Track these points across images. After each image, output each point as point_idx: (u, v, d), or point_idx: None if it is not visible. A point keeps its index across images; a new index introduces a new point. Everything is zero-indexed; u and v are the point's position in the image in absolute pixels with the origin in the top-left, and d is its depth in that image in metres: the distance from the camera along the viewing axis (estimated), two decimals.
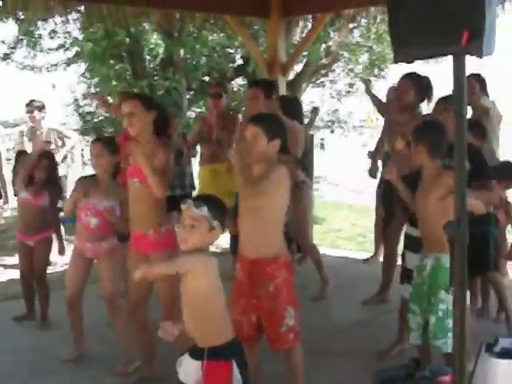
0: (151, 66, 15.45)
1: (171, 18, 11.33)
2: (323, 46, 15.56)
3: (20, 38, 17.07)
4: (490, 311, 6.61)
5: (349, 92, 19.55)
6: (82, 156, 15.38)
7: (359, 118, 21.57)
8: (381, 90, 8.79)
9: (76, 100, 18.19)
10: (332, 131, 19.71)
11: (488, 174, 5.39)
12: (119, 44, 13.96)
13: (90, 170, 7.49)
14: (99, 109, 15.72)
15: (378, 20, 13.62)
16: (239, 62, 16.75)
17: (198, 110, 16.72)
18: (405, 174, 5.17)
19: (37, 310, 6.87)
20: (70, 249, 9.52)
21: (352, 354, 5.79)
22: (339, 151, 20.31)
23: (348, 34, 16.53)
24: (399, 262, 6.29)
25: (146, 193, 4.92)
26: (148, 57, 15.16)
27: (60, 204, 6.95)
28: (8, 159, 12.56)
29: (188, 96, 15.86)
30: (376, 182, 8.57)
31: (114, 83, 13.88)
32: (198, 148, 8.16)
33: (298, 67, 15.76)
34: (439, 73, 6.52)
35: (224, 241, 8.76)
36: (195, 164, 8.50)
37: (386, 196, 7.12)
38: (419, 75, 6.34)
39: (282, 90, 9.23)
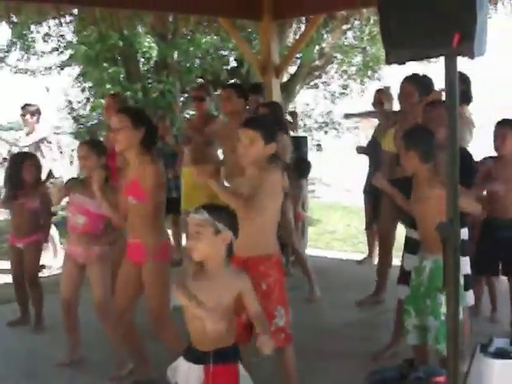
0: (145, 68, 15.43)
1: (164, 20, 11.35)
2: (317, 47, 15.59)
3: (13, 41, 17.04)
4: (484, 311, 6.62)
5: (343, 93, 19.55)
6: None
7: (353, 119, 21.57)
8: (374, 90, 8.77)
9: (70, 103, 18.15)
10: (326, 132, 19.71)
11: (472, 176, 5.43)
12: (113, 47, 13.94)
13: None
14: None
15: (372, 21, 13.65)
16: (233, 64, 16.75)
17: (192, 112, 16.70)
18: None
19: (31, 313, 6.86)
20: (62, 252, 9.59)
21: (346, 355, 5.79)
22: (334, 152, 20.33)
23: (341, 36, 16.55)
24: (395, 262, 6.31)
25: (141, 208, 4.91)
26: (142, 59, 15.13)
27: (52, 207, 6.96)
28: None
29: (182, 98, 15.85)
30: None
31: (108, 86, 13.85)
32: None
33: (292, 69, 15.78)
34: (431, 73, 6.48)
35: None
36: None
37: (372, 197, 7.14)
38: (420, 76, 6.33)
39: (276, 92, 9.25)
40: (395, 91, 7.44)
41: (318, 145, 19.02)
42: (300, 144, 9.15)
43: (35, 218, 6.75)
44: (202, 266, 3.56)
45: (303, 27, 12.28)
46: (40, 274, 7.02)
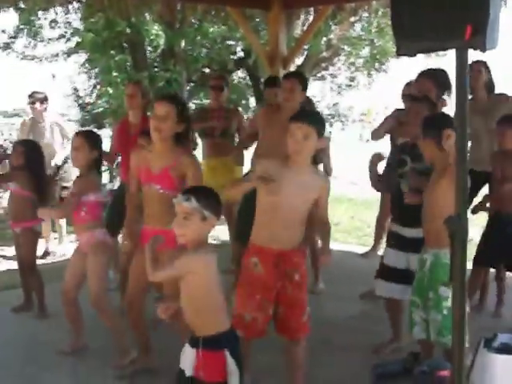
0: (152, 56, 15.39)
1: (172, 8, 11.33)
2: (324, 39, 15.54)
3: (20, 27, 17.02)
4: (488, 306, 6.61)
5: (349, 86, 19.53)
6: None
7: (359, 111, 21.57)
8: (382, 83, 8.75)
9: (76, 90, 18.14)
10: (331, 125, 19.69)
11: None
12: (120, 34, 13.89)
13: None
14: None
15: (380, 13, 13.64)
16: (240, 54, 16.72)
17: (198, 101, 16.70)
18: None
19: (35, 300, 6.86)
20: (68, 239, 9.63)
21: (350, 347, 5.79)
22: (339, 145, 20.29)
23: (349, 28, 16.51)
24: None
25: (170, 197, 4.87)
26: (149, 48, 15.10)
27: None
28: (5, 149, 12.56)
29: (188, 87, 15.82)
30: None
31: (115, 74, 13.82)
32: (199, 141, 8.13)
33: (299, 60, 15.74)
34: (441, 66, 6.45)
35: (223, 233, 8.78)
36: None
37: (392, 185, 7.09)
38: (436, 70, 6.26)
39: None
40: (402, 85, 7.44)
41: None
42: None
43: (30, 204, 6.68)
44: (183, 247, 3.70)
45: (311, 18, 12.26)
46: (43, 261, 7.00)
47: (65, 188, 8.86)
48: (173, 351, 3.93)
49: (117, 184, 10.44)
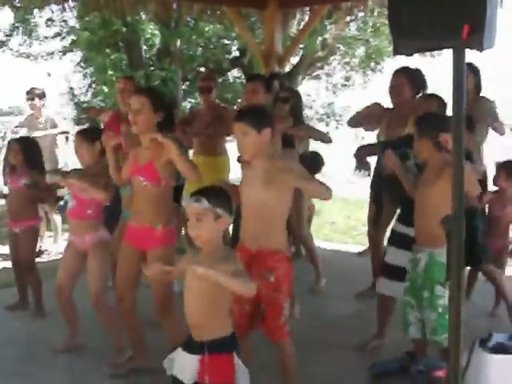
0: (147, 55, 15.40)
1: (168, 7, 11.31)
2: (320, 38, 15.55)
3: (16, 25, 16.99)
4: (486, 305, 6.61)
5: (345, 85, 19.53)
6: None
7: (354, 111, 21.56)
8: (377, 83, 8.76)
9: (71, 89, 18.13)
10: (327, 124, 19.70)
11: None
12: (116, 33, 13.91)
13: None
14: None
15: (375, 13, 13.64)
16: (235, 53, 16.72)
17: (194, 101, 16.71)
18: None
19: (31, 298, 6.85)
20: (63, 238, 9.61)
21: (346, 346, 5.78)
22: (333, 144, 20.27)
23: (345, 27, 16.52)
24: None
25: (154, 191, 4.90)
26: (144, 47, 15.10)
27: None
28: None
29: (184, 87, 15.83)
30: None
31: (110, 72, 13.83)
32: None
33: (294, 59, 15.75)
34: (436, 66, 6.49)
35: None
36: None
37: (378, 187, 7.11)
38: (411, 69, 6.33)
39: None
40: None
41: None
42: None
43: (31, 203, 6.71)
44: (198, 249, 3.62)
45: (307, 18, 12.26)
46: (38, 260, 6.98)
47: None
48: (170, 351, 3.90)
49: None
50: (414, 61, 6.06)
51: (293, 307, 6.34)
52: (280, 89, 7.60)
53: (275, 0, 8.97)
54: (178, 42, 14.83)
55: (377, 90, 8.27)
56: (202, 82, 7.94)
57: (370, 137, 8.58)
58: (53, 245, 9.51)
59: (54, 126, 9.55)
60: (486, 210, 6.61)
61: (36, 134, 9.17)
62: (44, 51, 18.42)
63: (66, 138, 9.88)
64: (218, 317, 3.55)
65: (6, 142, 10.44)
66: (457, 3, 2.80)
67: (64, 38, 17.20)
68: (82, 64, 17.23)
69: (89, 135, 5.62)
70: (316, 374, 5.18)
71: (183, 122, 7.68)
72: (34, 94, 9.33)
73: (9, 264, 7.31)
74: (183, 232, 7.39)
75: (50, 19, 16.67)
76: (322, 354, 5.59)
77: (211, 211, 3.49)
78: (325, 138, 7.51)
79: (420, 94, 6.34)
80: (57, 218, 9.39)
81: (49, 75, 19.64)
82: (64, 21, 16.72)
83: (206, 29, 14.99)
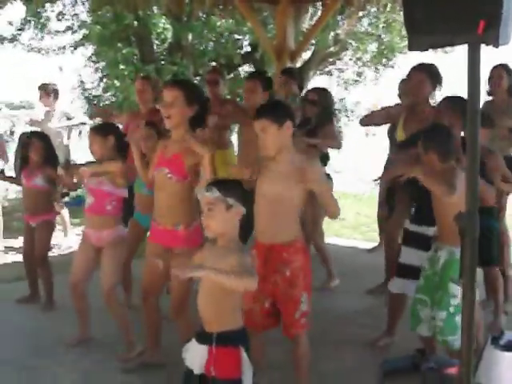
0: (159, 50, 15.38)
1: (180, 2, 11.29)
2: (332, 33, 15.51)
3: (27, 19, 16.99)
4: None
5: (356, 81, 19.48)
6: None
7: (366, 107, 21.52)
8: (389, 78, 8.72)
9: (83, 83, 18.12)
10: (338, 120, 19.61)
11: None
12: (127, 27, 13.90)
13: None
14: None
15: (388, 9, 13.59)
16: (247, 48, 16.69)
17: (205, 95, 16.68)
18: None
19: (41, 292, 6.87)
20: (73, 232, 9.64)
21: (357, 343, 5.78)
22: (344, 140, 20.25)
23: (357, 23, 16.47)
24: None
25: (178, 186, 4.81)
26: (156, 41, 15.09)
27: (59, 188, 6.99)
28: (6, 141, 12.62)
29: (195, 81, 15.81)
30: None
31: (122, 67, 13.82)
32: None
33: (306, 55, 15.72)
34: (448, 63, 6.46)
35: None
36: None
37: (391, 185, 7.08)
38: (429, 65, 6.26)
39: None
40: None
41: (339, 132, 18.84)
42: None
43: (46, 198, 6.74)
44: (214, 242, 3.61)
45: (319, 12, 12.24)
46: (49, 254, 7.00)
47: None
48: (179, 348, 3.90)
49: None
50: (427, 57, 6.02)
51: None
52: (309, 90, 7.60)
53: None
54: (190, 37, 14.82)
55: (388, 85, 8.20)
56: (209, 74, 8.00)
57: (382, 134, 8.56)
58: (63, 239, 9.53)
59: (70, 119, 9.61)
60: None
61: (54, 125, 9.22)
62: (55, 45, 18.43)
63: (80, 133, 9.92)
64: (228, 312, 3.55)
65: (15, 136, 10.50)
66: None
67: (75, 32, 17.18)
68: (93, 58, 17.21)
69: (102, 130, 5.63)
70: (327, 370, 5.18)
71: None
72: (46, 90, 9.36)
73: (19, 258, 7.34)
74: None
75: (61, 13, 16.65)
76: (332, 351, 5.59)
77: (222, 201, 3.49)
78: (334, 145, 7.47)
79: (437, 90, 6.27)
80: (65, 212, 9.41)
81: (60, 69, 19.64)
82: (75, 15, 16.71)
83: (218, 23, 14.98)
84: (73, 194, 12.98)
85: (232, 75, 15.91)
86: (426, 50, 3.04)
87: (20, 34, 17.72)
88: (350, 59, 18.65)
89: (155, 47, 15.16)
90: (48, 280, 6.81)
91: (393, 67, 18.21)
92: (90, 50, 17.24)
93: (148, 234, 5.44)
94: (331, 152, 7.69)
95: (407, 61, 15.69)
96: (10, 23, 17.30)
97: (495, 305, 6.27)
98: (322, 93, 7.56)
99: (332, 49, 16.37)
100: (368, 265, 8.18)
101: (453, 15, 2.84)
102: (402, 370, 4.69)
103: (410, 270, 5.31)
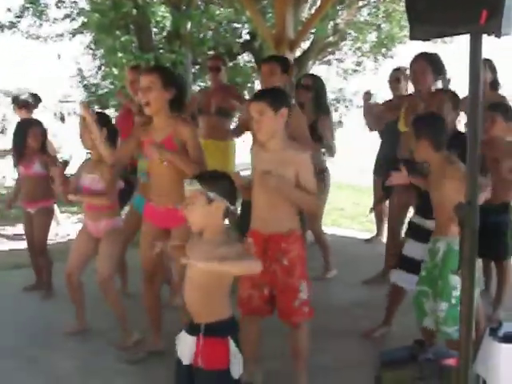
0: (157, 38, 15.34)
1: None
2: (331, 23, 15.47)
3: (26, 6, 16.93)
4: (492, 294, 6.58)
5: (355, 71, 19.45)
6: None
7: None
8: (388, 68, 8.67)
9: (81, 71, 18.08)
10: (336, 110, 19.59)
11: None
12: (126, 15, 13.84)
13: None
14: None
15: None
16: (246, 37, 16.65)
17: (203, 84, 16.65)
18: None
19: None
20: (69, 221, 9.63)
21: (354, 334, 5.78)
22: (342, 130, 20.21)
23: (356, 12, 16.43)
24: None
25: (171, 169, 4.83)
26: (154, 29, 15.05)
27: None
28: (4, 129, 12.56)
29: (193, 70, 15.77)
30: None
31: (120, 55, 13.78)
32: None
33: (305, 44, 15.68)
34: (447, 54, 6.43)
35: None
36: None
37: (383, 171, 7.08)
38: (431, 53, 6.23)
39: None
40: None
41: (339, 121, 18.79)
42: None
43: (44, 185, 6.72)
44: (200, 236, 3.55)
45: (319, 2, 12.19)
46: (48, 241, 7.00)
47: None
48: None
49: None
50: (426, 47, 5.99)
51: None
52: (303, 75, 7.58)
53: None
54: (189, 25, 14.77)
55: (387, 75, 8.13)
56: (211, 61, 7.99)
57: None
58: (56, 227, 9.51)
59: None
60: None
61: None
62: (54, 33, 18.37)
63: (62, 119, 9.80)
64: (216, 302, 3.50)
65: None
66: None
67: (74, 19, 17.13)
68: (91, 46, 17.17)
69: (98, 120, 5.56)
70: (324, 361, 5.18)
71: (191, 102, 7.62)
72: (17, 103, 8.71)
73: (17, 245, 7.33)
74: None
75: (60, 0, 16.61)
76: (329, 341, 5.57)
77: (203, 194, 3.42)
78: (330, 152, 7.46)
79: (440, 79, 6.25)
80: None
81: (59, 57, 19.55)
82: (74, 2, 16.65)
83: (217, 12, 14.94)
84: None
85: (231, 64, 15.87)
86: (428, 39, 3.03)
87: (19, 21, 17.65)
88: (350, 49, 18.62)
89: (154, 35, 15.11)
90: (47, 268, 6.81)
91: (392, 57, 18.17)
92: (88, 37, 17.20)
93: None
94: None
95: (407, 51, 15.68)
96: (9, 10, 17.23)
97: (498, 297, 6.28)
98: (316, 79, 7.56)
99: (331, 38, 16.33)
100: (365, 255, 8.18)
101: (455, 5, 2.82)
102: (400, 361, 4.68)
103: (412, 264, 5.30)
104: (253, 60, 17.01)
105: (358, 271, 7.52)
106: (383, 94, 8.83)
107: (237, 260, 3.32)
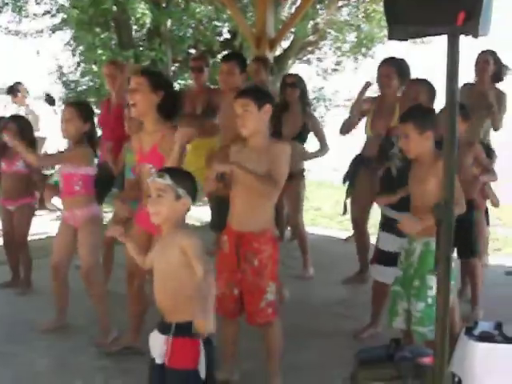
0: (137, 35, 15.30)
1: None
2: (311, 22, 15.50)
3: (5, 1, 16.82)
4: (467, 294, 6.61)
5: (335, 70, 19.48)
6: None
7: (344, 96, 21.51)
8: (368, 68, 8.72)
9: (60, 68, 17.97)
10: (314, 110, 19.59)
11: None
12: (106, 12, 13.78)
13: None
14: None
15: None
16: (226, 35, 16.63)
17: (183, 82, 16.61)
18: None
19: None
20: (48, 217, 9.58)
21: (331, 333, 5.79)
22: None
23: (336, 12, 16.46)
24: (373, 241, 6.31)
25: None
26: (135, 26, 15.00)
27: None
28: None
29: (173, 68, 15.74)
30: None
31: (100, 52, 13.72)
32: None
33: (285, 43, 15.70)
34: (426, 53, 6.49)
35: (206, 214, 8.74)
36: None
37: (351, 175, 7.12)
38: (398, 59, 6.35)
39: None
40: None
41: (321, 119, 18.71)
42: None
43: (25, 182, 6.69)
44: (159, 231, 3.61)
45: (299, 1, 12.20)
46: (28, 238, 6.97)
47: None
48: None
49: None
50: (405, 47, 6.04)
51: (281, 292, 6.35)
52: (286, 75, 7.61)
53: None
54: (169, 23, 14.73)
55: (367, 75, 8.17)
56: (194, 61, 7.94)
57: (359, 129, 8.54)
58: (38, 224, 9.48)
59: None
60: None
61: None
62: (33, 29, 18.24)
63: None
64: (185, 301, 3.44)
65: None
66: None
67: (54, 15, 17.05)
68: (71, 42, 17.07)
69: (83, 113, 5.54)
70: (301, 360, 5.18)
71: None
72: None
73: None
74: None
75: None
76: (306, 341, 5.58)
77: (172, 189, 3.47)
78: (323, 152, 7.50)
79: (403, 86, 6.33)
80: None
81: (38, 53, 19.42)
82: None
83: (197, 10, 14.89)
84: (50, 180, 12.94)
85: (211, 62, 15.84)
86: (406, 39, 3.04)
87: None
88: (330, 48, 18.65)
89: (134, 33, 15.07)
90: (27, 264, 6.79)
91: (372, 57, 18.20)
92: (68, 34, 17.11)
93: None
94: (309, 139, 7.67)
95: (386, 51, 15.73)
96: None
97: (473, 296, 6.31)
98: (298, 78, 7.59)
99: (311, 38, 16.36)
100: (343, 254, 8.18)
101: (432, 5, 2.83)
102: (377, 359, 4.69)
103: (389, 257, 5.31)
104: None
105: (336, 270, 7.53)
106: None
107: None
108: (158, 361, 3.50)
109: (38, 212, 8.76)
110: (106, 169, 6.54)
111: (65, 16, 15.60)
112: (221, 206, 4.96)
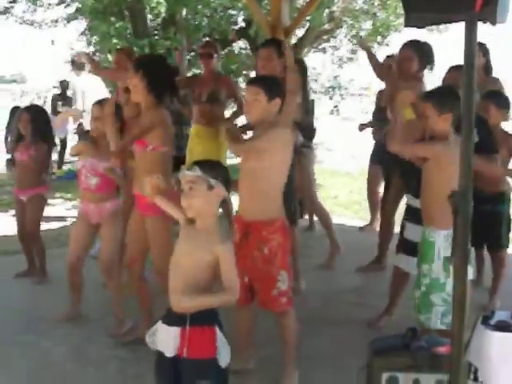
0: (152, 24, 15.27)
1: None
2: (326, 11, 15.41)
3: None
4: (485, 282, 6.58)
5: (350, 59, 19.40)
6: None
7: (359, 85, 21.44)
8: (383, 56, 8.64)
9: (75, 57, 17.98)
10: (331, 98, 19.53)
11: (492, 147, 5.34)
12: (121, 1, 13.77)
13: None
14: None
15: None
16: (241, 24, 16.58)
17: (198, 71, 16.60)
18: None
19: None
20: (62, 207, 9.62)
21: (347, 321, 5.79)
22: (336, 118, 20.17)
23: (352, 0, 16.38)
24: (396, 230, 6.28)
25: (144, 156, 4.93)
26: (149, 15, 14.97)
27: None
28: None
29: (188, 57, 15.71)
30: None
31: (115, 41, 13.71)
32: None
33: (300, 32, 15.64)
34: (442, 42, 6.43)
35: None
36: None
37: (385, 160, 7.06)
38: (420, 42, 6.22)
39: None
40: None
41: (336, 108, 18.63)
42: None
43: (38, 172, 6.70)
44: (192, 222, 3.52)
45: None
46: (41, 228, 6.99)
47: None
48: None
49: None
50: (422, 35, 5.98)
51: (298, 282, 6.34)
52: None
53: None
54: (184, 12, 14.69)
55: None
56: (203, 48, 7.91)
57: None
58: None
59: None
60: None
61: None
62: (48, 18, 18.24)
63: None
64: (202, 291, 3.44)
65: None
66: None
67: (68, 5, 17.03)
68: (86, 32, 17.07)
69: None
70: (315, 349, 5.19)
71: (184, 82, 7.56)
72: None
73: (7, 231, 7.31)
74: None
75: None
76: (322, 329, 5.59)
77: (204, 180, 3.42)
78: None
79: (428, 69, 6.25)
80: None
81: (52, 43, 19.43)
82: None
83: None
84: (64, 168, 12.99)
85: (226, 51, 15.83)
86: (423, 26, 3.01)
87: (13, 7, 17.54)
88: (345, 37, 18.56)
89: (149, 22, 15.04)
90: (41, 254, 6.82)
91: (387, 45, 18.11)
92: (82, 23, 17.10)
93: None
94: (321, 129, 7.62)
95: (402, 39, 15.63)
96: None
97: (494, 287, 6.28)
98: (300, 62, 7.52)
99: (327, 26, 16.28)
100: (359, 243, 8.17)
101: None
102: (392, 348, 4.68)
103: (414, 246, 5.28)
104: (248, 47, 16.95)
105: (352, 259, 7.51)
106: (377, 82, 8.80)
107: (215, 296, 3.38)
108: (169, 354, 3.45)
109: (51, 201, 8.83)
110: None
111: (79, 5, 15.58)
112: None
